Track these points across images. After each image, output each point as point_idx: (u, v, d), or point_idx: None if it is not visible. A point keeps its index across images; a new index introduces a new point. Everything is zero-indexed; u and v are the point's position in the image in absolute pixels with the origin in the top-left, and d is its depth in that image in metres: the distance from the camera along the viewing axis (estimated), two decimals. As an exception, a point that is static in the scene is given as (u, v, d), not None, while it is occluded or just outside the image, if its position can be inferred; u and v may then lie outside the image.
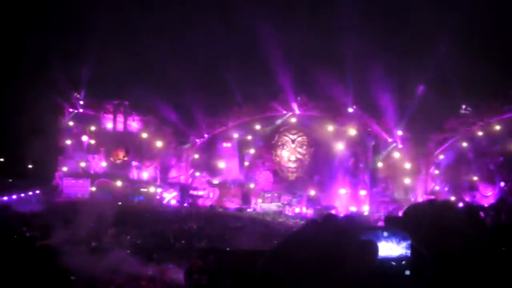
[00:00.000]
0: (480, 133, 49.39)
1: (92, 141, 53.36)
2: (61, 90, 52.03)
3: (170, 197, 51.68)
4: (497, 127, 48.79)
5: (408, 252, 2.40)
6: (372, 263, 2.36)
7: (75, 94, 53.89)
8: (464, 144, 50.07)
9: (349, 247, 2.36)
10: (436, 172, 51.12)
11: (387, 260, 2.38)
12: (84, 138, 53.30)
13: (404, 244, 2.40)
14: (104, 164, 53.24)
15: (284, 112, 54.57)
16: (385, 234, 2.43)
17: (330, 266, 2.27)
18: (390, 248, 2.40)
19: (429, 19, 48.95)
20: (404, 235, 2.41)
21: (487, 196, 47.89)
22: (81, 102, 54.10)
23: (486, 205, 46.97)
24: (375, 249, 2.43)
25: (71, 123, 53.60)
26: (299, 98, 54.20)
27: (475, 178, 48.74)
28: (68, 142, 52.94)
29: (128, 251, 32.35)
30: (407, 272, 2.38)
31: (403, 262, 2.34)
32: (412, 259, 2.38)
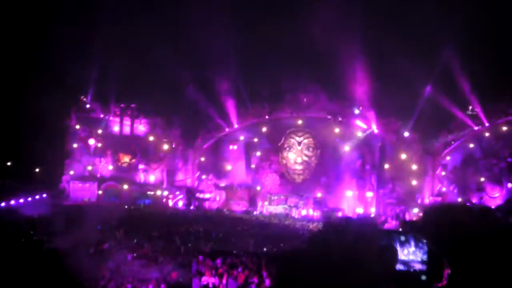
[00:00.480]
0: (487, 134, 49.22)
1: (99, 144, 53.42)
2: (68, 93, 52.15)
3: (177, 200, 51.73)
4: (504, 128, 48.62)
5: (425, 257, 2.40)
6: (391, 268, 2.36)
7: (82, 97, 53.98)
8: (471, 145, 49.90)
9: (368, 251, 2.35)
10: (443, 173, 50.95)
11: (403, 264, 2.38)
12: (91, 142, 53.37)
13: (421, 249, 2.40)
14: (111, 167, 53.31)
15: (291, 114, 54.58)
16: (402, 238, 2.43)
17: (349, 271, 2.27)
18: (407, 253, 2.40)
19: (438, 21, 48.80)
20: (421, 240, 2.41)
21: (495, 197, 47.69)
22: (88, 105, 54.18)
23: (493, 207, 46.84)
24: (395, 254, 2.43)
25: (78, 126, 53.69)
26: (305, 99, 54.19)
27: (482, 179, 48.55)
28: (75, 145, 53.04)
29: (135, 254, 32.41)
30: (423, 277, 2.38)
31: (420, 267, 2.34)
32: (429, 264, 2.38)
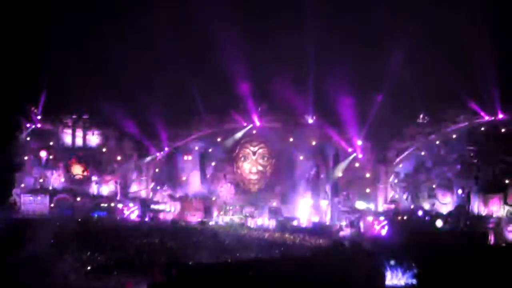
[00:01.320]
0: (437, 142, 50.20)
1: (51, 156, 52.48)
2: (17, 104, 51.15)
3: (131, 212, 51.13)
4: (454, 136, 49.67)
5: (414, 281, 2.40)
6: None
7: (33, 108, 53.01)
8: (423, 153, 50.81)
9: (357, 274, 2.35)
10: (396, 181, 51.72)
11: None
12: (43, 154, 52.39)
13: (410, 273, 2.40)
14: (63, 179, 52.41)
15: (245, 124, 54.68)
16: (392, 263, 2.42)
17: None
18: (396, 277, 2.40)
19: (388, 31, 49.71)
20: (410, 264, 2.41)
21: (446, 203, 48.61)
22: (39, 117, 53.23)
23: (445, 213, 47.75)
24: (382, 278, 2.43)
25: (28, 139, 52.65)
26: (259, 108, 54.39)
27: (434, 186, 49.45)
28: (26, 157, 51.98)
29: (89, 267, 31.93)
30: None
31: None
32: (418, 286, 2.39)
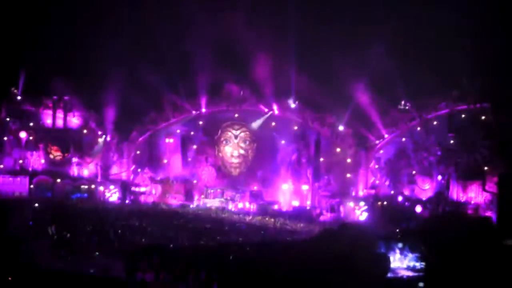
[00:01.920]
0: (418, 129, 50.53)
1: (31, 138, 52.00)
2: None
3: (111, 194, 50.98)
4: (435, 123, 50.03)
5: (422, 264, 2.40)
6: (383, 276, 2.37)
7: (13, 89, 52.44)
8: (404, 139, 51.13)
9: (362, 259, 2.35)
10: (377, 166, 52.04)
11: (401, 271, 2.38)
12: (22, 135, 51.88)
13: (418, 256, 2.40)
14: (43, 161, 51.99)
15: (229, 108, 54.67)
16: (400, 245, 2.43)
17: (342, 277, 2.27)
18: (404, 260, 2.40)
19: (370, 17, 49.88)
20: (418, 247, 2.41)
21: (425, 189, 49.05)
22: (19, 98, 52.66)
23: (424, 198, 48.21)
24: (387, 262, 2.43)
25: (8, 119, 52.10)
26: (241, 92, 54.36)
27: (414, 172, 49.85)
28: (5, 138, 51.48)
29: (69, 249, 31.76)
30: (421, 284, 2.38)
31: (417, 274, 2.35)
32: (426, 271, 2.39)
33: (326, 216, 48.72)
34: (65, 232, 35.63)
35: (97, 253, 31.43)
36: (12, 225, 34.56)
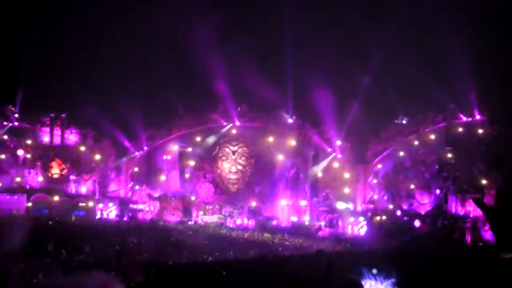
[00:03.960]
0: (416, 142, 50.60)
1: (28, 155, 51.93)
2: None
3: (109, 211, 50.82)
4: (432, 137, 50.13)
5: None
6: None
7: (10, 106, 52.45)
8: (401, 153, 51.17)
9: (334, 284, 2.35)
10: (375, 181, 52.05)
11: None
12: (20, 152, 51.81)
13: (390, 281, 2.40)
14: (41, 178, 51.87)
15: (225, 123, 54.66)
16: (374, 271, 2.42)
17: None
18: (378, 286, 2.39)
19: (368, 32, 50.10)
20: (390, 273, 2.41)
21: (424, 203, 49.04)
22: (16, 115, 52.67)
23: (423, 213, 48.17)
24: None
25: (5, 137, 52.06)
26: (239, 108, 54.44)
27: (412, 186, 49.84)
28: (3, 156, 51.40)
29: (67, 267, 31.65)
30: None
31: None
32: None
33: (325, 231, 48.63)
34: (63, 249, 35.54)
35: (95, 270, 31.29)
36: (9, 243, 34.36)
